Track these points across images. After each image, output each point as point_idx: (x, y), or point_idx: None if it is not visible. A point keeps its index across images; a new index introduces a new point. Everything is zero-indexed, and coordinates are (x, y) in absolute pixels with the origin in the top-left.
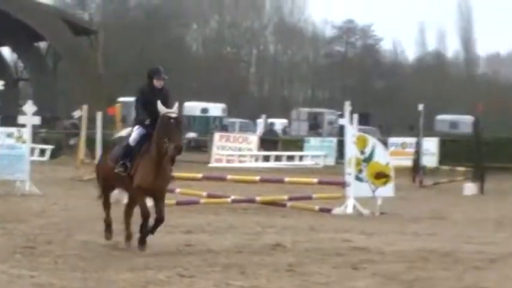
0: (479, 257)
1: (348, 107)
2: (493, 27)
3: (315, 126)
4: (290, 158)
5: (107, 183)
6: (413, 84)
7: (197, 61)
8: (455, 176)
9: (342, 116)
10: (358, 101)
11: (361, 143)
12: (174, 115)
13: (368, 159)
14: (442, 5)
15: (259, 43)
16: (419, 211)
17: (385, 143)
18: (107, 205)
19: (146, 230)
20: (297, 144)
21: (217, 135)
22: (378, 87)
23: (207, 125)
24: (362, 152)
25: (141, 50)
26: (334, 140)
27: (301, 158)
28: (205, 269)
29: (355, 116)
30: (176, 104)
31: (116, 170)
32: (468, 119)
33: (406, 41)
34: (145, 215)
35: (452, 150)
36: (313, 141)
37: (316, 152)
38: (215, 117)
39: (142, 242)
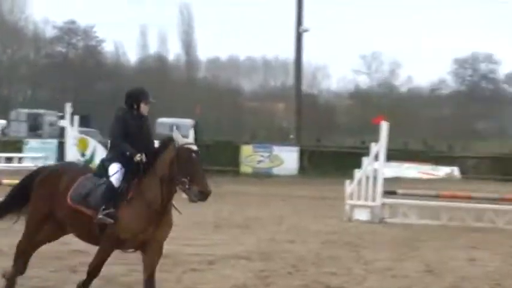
0: (198, 258)
1: (68, 108)
2: (214, 32)
3: (35, 128)
4: (8, 159)
5: (42, 223)
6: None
7: None
8: None
9: (62, 117)
10: (79, 102)
11: (82, 145)
12: (195, 148)
13: (89, 161)
14: (164, 8)
15: None
16: None
17: (106, 145)
18: (26, 255)
19: None
20: (15, 145)
21: None
22: (99, 89)
23: None
24: (83, 154)
25: None
26: (55, 141)
27: (20, 159)
28: None
29: (76, 118)
30: (192, 133)
31: (99, 216)
32: (188, 122)
33: (128, 43)
34: (95, 271)
35: None
36: (34, 142)
37: (37, 153)
38: None
39: None
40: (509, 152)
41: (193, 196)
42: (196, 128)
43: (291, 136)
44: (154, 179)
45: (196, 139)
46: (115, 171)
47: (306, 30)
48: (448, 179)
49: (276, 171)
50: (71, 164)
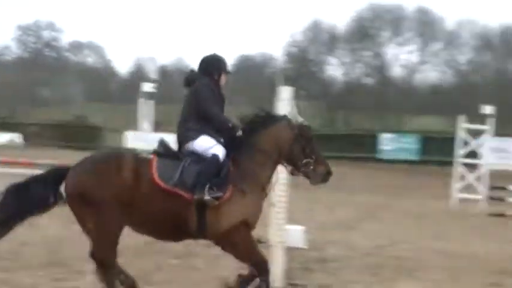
0: None
1: None
2: None
3: None
4: None
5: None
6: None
7: None
8: None
9: None
10: None
11: None
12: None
13: None
14: None
15: None
16: None
17: None
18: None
19: None
20: None
21: None
22: None
23: None
24: None
25: None
26: None
27: None
28: None
29: None
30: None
31: (206, 197)
32: None
33: None
34: (265, 267)
35: None
36: None
37: None
38: None
39: None
40: (70, 119)
41: (319, 178)
42: None
43: None
44: (267, 159)
45: None
46: (212, 145)
47: None
48: (9, 146)
49: None
50: (119, 149)
